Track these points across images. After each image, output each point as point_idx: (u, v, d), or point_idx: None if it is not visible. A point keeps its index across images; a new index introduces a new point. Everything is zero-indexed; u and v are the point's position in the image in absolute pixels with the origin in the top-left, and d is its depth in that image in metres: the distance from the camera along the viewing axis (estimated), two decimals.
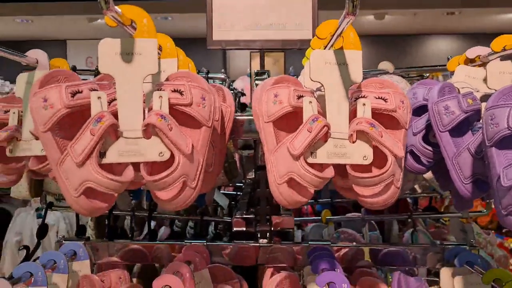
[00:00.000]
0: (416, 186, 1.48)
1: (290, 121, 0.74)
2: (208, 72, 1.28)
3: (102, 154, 0.66)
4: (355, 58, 0.72)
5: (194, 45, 3.45)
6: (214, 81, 1.43)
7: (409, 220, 1.40)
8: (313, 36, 1.09)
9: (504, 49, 0.84)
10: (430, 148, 0.90)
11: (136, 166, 0.69)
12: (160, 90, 0.69)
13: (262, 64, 1.25)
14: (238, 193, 1.67)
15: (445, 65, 1.21)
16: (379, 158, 0.72)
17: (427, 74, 1.52)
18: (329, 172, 0.70)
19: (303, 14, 1.24)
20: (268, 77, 1.23)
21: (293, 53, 1.37)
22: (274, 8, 1.25)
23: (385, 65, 1.27)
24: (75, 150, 0.63)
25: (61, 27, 7.28)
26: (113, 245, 1.23)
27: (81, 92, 0.66)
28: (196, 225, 1.39)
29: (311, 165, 0.69)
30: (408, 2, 5.67)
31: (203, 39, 1.22)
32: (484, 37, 6.60)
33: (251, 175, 1.47)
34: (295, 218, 1.42)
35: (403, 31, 6.71)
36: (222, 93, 0.94)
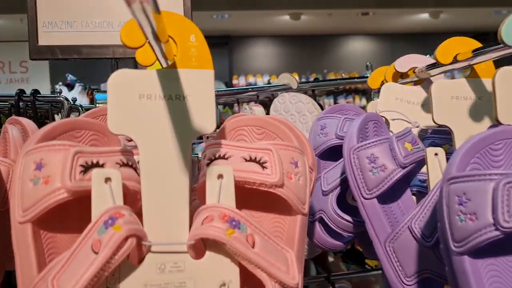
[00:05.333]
0: None
1: (79, 213, 0.37)
2: (34, 93, 0.87)
3: None
4: (204, 80, 0.37)
5: None
6: (63, 104, 1.01)
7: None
8: None
9: (455, 60, 0.52)
10: (348, 218, 0.56)
11: None
12: None
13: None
14: None
15: (365, 77, 0.91)
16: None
17: (341, 86, 1.20)
18: None
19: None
20: None
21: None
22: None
23: (287, 78, 0.90)
24: None
25: None
26: None
27: None
28: None
29: None
30: (323, 2, 5.50)
31: None
32: (399, 37, 6.64)
33: None
34: None
35: (320, 31, 6.55)
36: (3, 142, 0.54)
